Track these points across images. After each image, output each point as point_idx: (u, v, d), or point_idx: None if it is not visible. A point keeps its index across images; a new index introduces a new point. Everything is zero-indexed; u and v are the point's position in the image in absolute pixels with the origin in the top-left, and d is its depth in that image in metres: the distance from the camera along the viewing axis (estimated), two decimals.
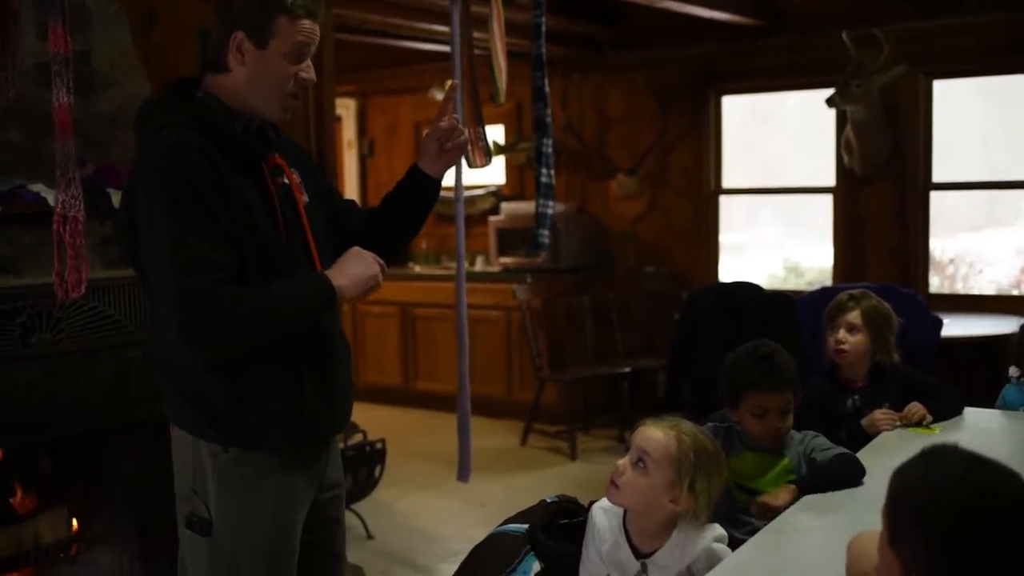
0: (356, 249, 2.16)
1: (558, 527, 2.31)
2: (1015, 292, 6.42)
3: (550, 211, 3.80)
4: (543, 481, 5.37)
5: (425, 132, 2.35)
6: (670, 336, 5.58)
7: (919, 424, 2.92)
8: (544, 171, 3.71)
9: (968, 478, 1.29)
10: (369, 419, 4.49)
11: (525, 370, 6.63)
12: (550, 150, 3.72)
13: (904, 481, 1.34)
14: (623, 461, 2.09)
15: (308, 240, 2.14)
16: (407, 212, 2.37)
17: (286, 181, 2.13)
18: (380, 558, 4.32)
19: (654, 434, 2.07)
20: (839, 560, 1.65)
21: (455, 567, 2.41)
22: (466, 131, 2.35)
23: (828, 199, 6.39)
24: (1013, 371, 3.21)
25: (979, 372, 4.89)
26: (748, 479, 2.59)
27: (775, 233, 7.27)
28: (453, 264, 7.14)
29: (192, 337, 1.95)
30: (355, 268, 2.13)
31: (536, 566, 2.26)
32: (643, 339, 6.72)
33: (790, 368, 2.63)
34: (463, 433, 3.44)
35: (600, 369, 6.45)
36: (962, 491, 1.27)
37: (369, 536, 4.54)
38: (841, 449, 2.58)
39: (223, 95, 2.07)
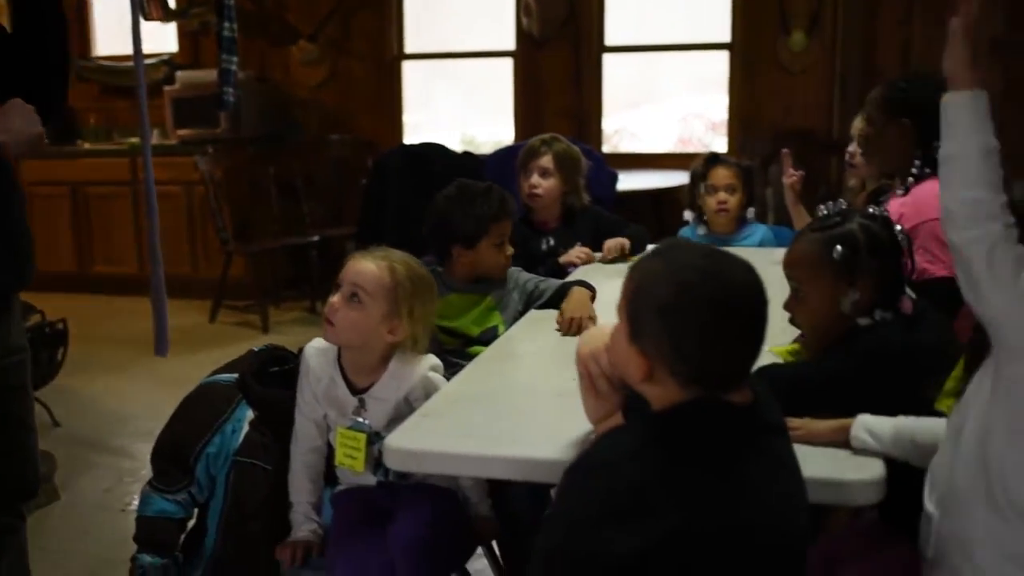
0: (18, 102, 1.94)
1: (269, 374, 2.27)
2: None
3: (234, 67, 3.65)
4: (236, 355, 5.24)
5: None
6: (358, 204, 5.56)
7: (619, 259, 3.09)
8: (227, 24, 3.54)
9: (710, 269, 1.34)
10: (44, 308, 4.18)
11: (210, 245, 6.41)
12: (232, 2, 3.54)
13: (645, 277, 1.38)
14: (336, 298, 2.05)
15: None
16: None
17: None
18: (70, 445, 4.08)
19: (366, 267, 2.05)
20: (556, 377, 1.73)
21: (151, 445, 2.31)
22: None
23: (508, 64, 6.53)
24: (688, 214, 3.45)
25: (650, 221, 5.25)
26: (451, 319, 2.64)
27: (451, 110, 7.33)
28: (126, 139, 6.74)
29: None
30: (18, 123, 1.92)
31: (249, 414, 2.21)
32: (330, 208, 6.66)
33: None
34: (159, 304, 3.29)
35: (288, 240, 6.34)
36: (706, 283, 1.33)
37: (56, 424, 4.27)
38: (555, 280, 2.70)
39: None
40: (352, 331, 2.04)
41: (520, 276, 2.72)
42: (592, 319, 2.37)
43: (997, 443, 1.42)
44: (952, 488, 1.48)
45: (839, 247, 1.78)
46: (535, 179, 3.20)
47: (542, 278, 2.72)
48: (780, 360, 1.96)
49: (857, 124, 3.24)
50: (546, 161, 3.21)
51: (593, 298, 2.56)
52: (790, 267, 1.87)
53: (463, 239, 2.62)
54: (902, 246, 1.85)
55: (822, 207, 1.89)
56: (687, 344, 1.33)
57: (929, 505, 1.54)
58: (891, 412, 1.68)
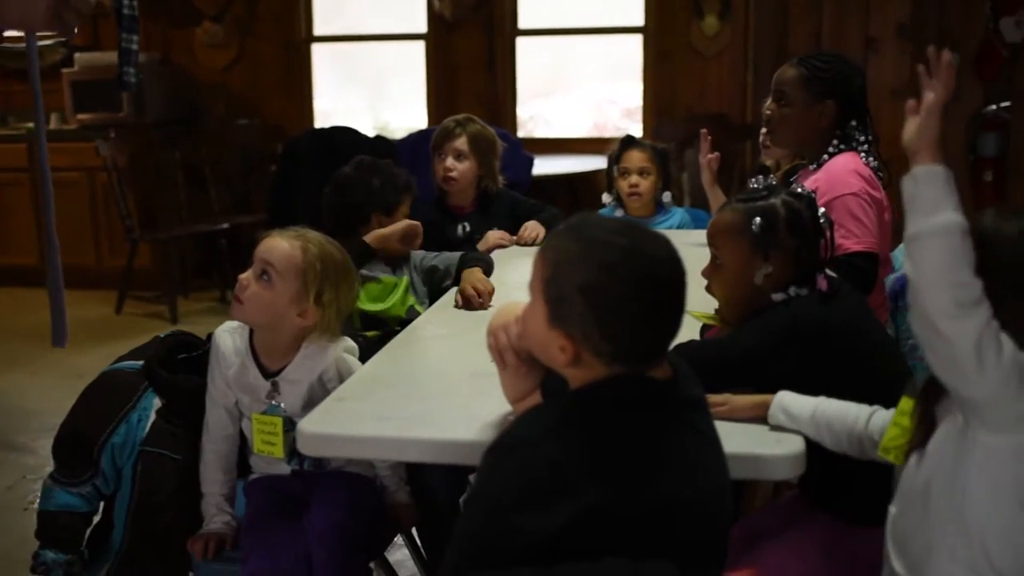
0: None
1: (177, 361, 2.19)
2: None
3: (135, 47, 3.53)
4: None
5: None
6: (267, 190, 5.45)
7: (534, 243, 3.07)
8: (126, 2, 3.41)
9: (629, 247, 1.31)
10: None
11: (114, 234, 6.21)
12: None
13: (562, 258, 1.34)
14: (246, 275, 2.00)
15: None
16: None
17: None
18: None
19: (279, 244, 1.99)
20: (472, 358, 1.69)
21: None
22: None
23: (420, 47, 6.46)
24: (606, 197, 3.44)
25: (566, 205, 5.24)
26: (380, 301, 2.63)
27: (362, 95, 7.22)
28: (21, 124, 6.50)
29: None
30: None
31: (156, 402, 2.13)
32: (239, 194, 6.50)
33: None
34: (55, 291, 3.14)
35: (196, 227, 6.17)
36: (628, 261, 1.30)
37: None
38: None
39: None
40: (260, 310, 1.99)
41: (415, 256, 2.73)
42: (489, 292, 2.42)
43: (977, 509, 1.36)
44: (926, 552, 1.42)
45: (758, 219, 1.78)
46: (450, 162, 3.12)
47: (435, 253, 2.74)
48: (700, 323, 1.96)
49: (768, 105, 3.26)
50: (461, 143, 3.13)
51: (489, 272, 2.59)
52: (711, 235, 1.88)
53: (383, 206, 2.63)
54: (823, 227, 1.85)
55: (752, 181, 1.89)
56: (614, 324, 1.30)
57: (899, 567, 1.48)
58: (806, 385, 1.69)
